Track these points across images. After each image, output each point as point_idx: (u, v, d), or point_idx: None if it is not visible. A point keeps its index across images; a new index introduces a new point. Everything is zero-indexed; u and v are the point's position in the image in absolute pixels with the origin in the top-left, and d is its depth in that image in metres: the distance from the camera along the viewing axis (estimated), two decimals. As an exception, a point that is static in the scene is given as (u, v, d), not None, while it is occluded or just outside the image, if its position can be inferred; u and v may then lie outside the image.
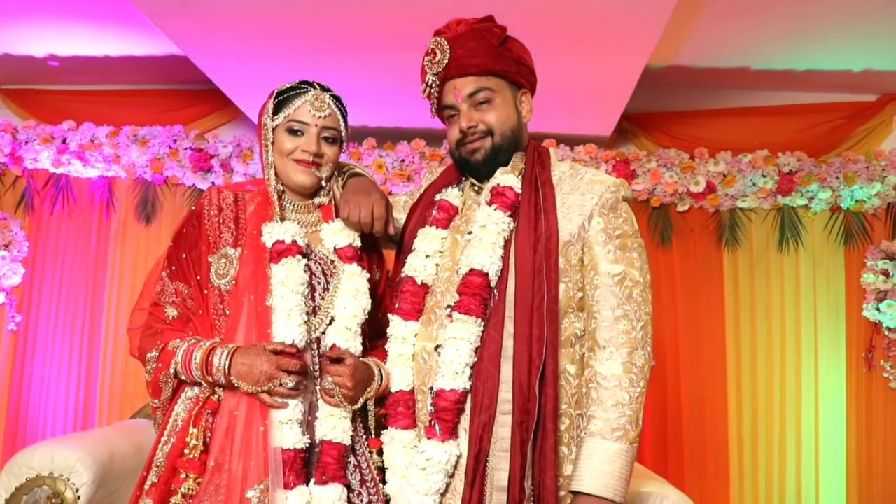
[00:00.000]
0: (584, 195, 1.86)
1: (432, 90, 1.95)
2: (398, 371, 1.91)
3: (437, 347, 1.84)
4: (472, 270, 1.82)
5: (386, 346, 1.95)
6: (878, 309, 4.27)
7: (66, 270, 4.62)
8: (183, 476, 1.74)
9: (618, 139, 4.59)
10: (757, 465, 4.36)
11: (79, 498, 2.55)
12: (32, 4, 3.70)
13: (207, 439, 1.77)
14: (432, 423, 1.78)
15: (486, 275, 1.81)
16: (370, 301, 1.91)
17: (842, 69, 4.15)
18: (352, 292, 1.88)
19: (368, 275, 1.94)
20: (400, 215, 2.15)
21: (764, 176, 4.31)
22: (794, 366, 4.39)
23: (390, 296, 2.04)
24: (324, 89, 1.93)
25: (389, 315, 1.96)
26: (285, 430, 1.74)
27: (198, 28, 3.36)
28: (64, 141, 4.52)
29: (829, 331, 4.39)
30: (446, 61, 1.89)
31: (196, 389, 1.83)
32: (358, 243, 1.96)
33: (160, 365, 1.82)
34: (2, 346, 4.55)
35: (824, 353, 4.38)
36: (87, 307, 4.58)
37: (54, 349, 4.57)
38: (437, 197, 2.05)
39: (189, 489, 1.73)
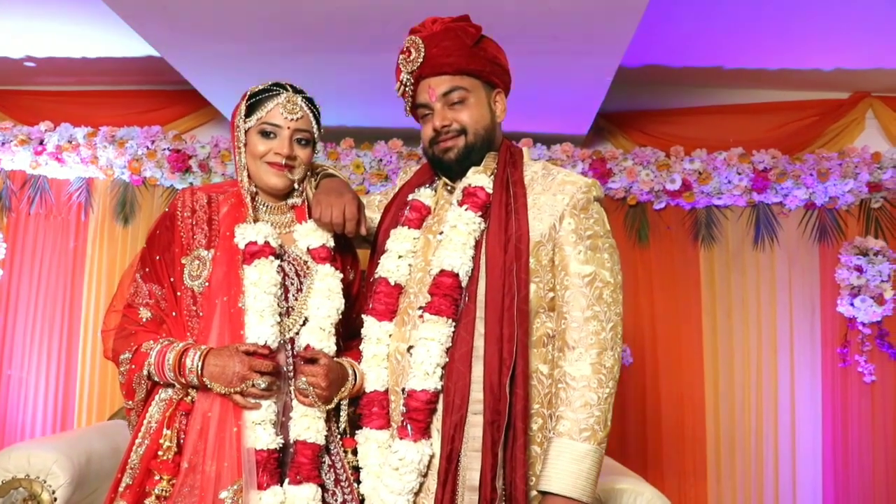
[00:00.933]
0: (555, 195, 1.87)
1: (407, 88, 1.95)
2: (372, 371, 1.92)
3: (409, 348, 1.84)
4: (442, 271, 1.83)
5: (360, 347, 1.96)
6: (852, 304, 4.33)
7: (44, 271, 4.61)
8: (157, 478, 1.75)
9: (594, 138, 4.62)
10: (734, 461, 4.40)
11: (55, 500, 2.56)
12: (8, 5, 3.69)
13: (181, 441, 1.78)
14: (404, 423, 1.79)
15: (457, 275, 1.82)
16: (343, 301, 1.92)
17: (814, 68, 4.21)
18: (325, 293, 1.89)
19: (342, 275, 1.95)
20: (374, 215, 2.15)
21: (739, 174, 4.35)
22: (770, 362, 4.44)
23: (364, 296, 2.04)
24: (296, 91, 1.94)
25: (364, 315, 1.97)
26: (258, 431, 1.75)
27: (173, 29, 3.36)
28: (41, 142, 4.51)
29: (805, 327, 4.45)
30: (421, 60, 1.90)
31: (170, 391, 1.84)
32: (331, 244, 1.97)
33: (133, 366, 1.82)
34: (-21, 348, 4.53)
35: (800, 348, 4.44)
36: (65, 308, 4.57)
37: (32, 350, 4.56)
38: (410, 197, 2.05)
39: (163, 490, 1.73)
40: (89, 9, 3.50)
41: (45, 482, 2.56)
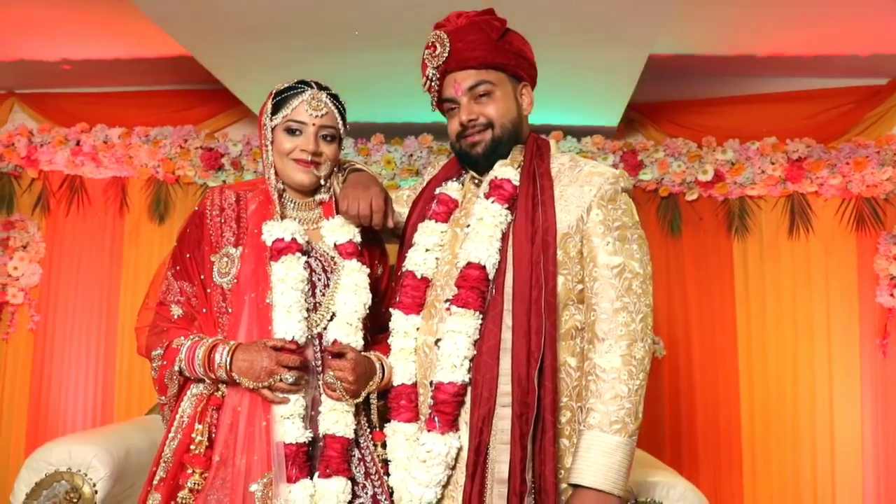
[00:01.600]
0: (582, 187, 1.86)
1: (433, 83, 1.96)
2: (400, 365, 1.93)
3: (437, 341, 1.85)
4: (469, 264, 1.83)
5: (388, 341, 1.97)
6: (891, 295, 4.25)
7: (82, 270, 4.68)
8: (190, 471, 1.78)
9: (625, 130, 4.57)
10: (770, 455, 4.33)
11: (96, 492, 2.60)
12: (45, 11, 3.76)
13: (212, 435, 1.81)
14: (432, 415, 1.80)
15: (484, 268, 1.82)
16: (370, 296, 1.93)
17: (850, 54, 4.13)
18: (352, 288, 1.90)
19: (369, 270, 1.96)
20: (403, 210, 2.16)
21: (773, 163, 4.29)
22: (806, 354, 4.36)
23: (394, 291, 2.06)
24: (321, 88, 1.95)
25: (391, 309, 1.98)
26: (287, 425, 1.77)
27: (203, 30, 3.40)
28: (78, 143, 4.59)
29: (842, 318, 4.36)
30: (446, 55, 1.90)
31: (201, 386, 1.86)
32: (358, 239, 1.98)
33: (165, 362, 1.85)
34: (22, 346, 4.63)
35: (837, 340, 4.35)
36: (103, 306, 4.64)
37: (72, 347, 4.63)
38: (438, 191, 2.06)
39: (195, 483, 1.76)
40: (122, 11, 3.55)
41: (86, 475, 2.61)
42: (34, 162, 4.62)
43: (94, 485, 2.61)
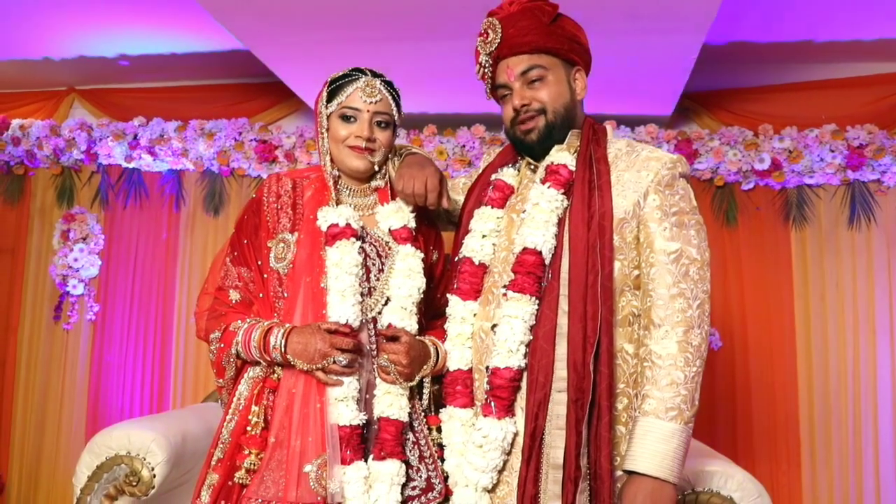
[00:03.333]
0: (639, 172, 1.84)
1: (486, 70, 1.96)
2: (456, 350, 1.93)
3: (493, 326, 1.85)
4: (525, 249, 1.83)
5: (445, 326, 1.98)
6: (957, 285, 4.13)
7: (140, 261, 4.78)
8: (246, 452, 1.81)
9: (679, 118, 4.52)
10: (830, 449, 4.24)
11: (154, 476, 2.65)
12: (104, 8, 3.85)
13: (269, 417, 1.83)
14: (488, 400, 1.80)
15: (540, 253, 1.82)
16: (424, 280, 1.94)
17: (913, 37, 4.01)
18: (406, 272, 1.91)
19: (423, 255, 1.97)
20: (459, 197, 2.17)
21: (832, 151, 4.18)
22: (868, 347, 4.25)
23: (449, 277, 2.06)
24: (375, 75, 1.96)
25: (448, 295, 1.98)
26: (341, 408, 1.79)
27: (259, 23, 3.44)
28: (135, 137, 4.67)
29: (905, 310, 4.26)
30: (498, 41, 1.90)
31: (258, 369, 1.89)
32: (412, 224, 1.99)
33: (223, 345, 1.88)
34: (82, 335, 4.75)
35: (900, 333, 4.25)
36: (160, 296, 4.73)
37: (129, 337, 4.74)
38: (493, 177, 2.06)
39: (251, 464, 1.79)
40: (178, 6, 3.61)
41: (144, 459, 2.66)
42: (93, 156, 4.73)
43: (153, 468, 2.65)
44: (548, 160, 1.92)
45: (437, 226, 2.16)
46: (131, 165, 4.76)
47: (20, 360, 4.76)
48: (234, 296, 1.95)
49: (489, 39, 1.92)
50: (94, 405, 4.69)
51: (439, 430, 1.94)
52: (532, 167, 2.00)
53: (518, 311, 1.79)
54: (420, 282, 1.93)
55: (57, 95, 4.99)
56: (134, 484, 2.65)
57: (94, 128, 4.73)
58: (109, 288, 4.79)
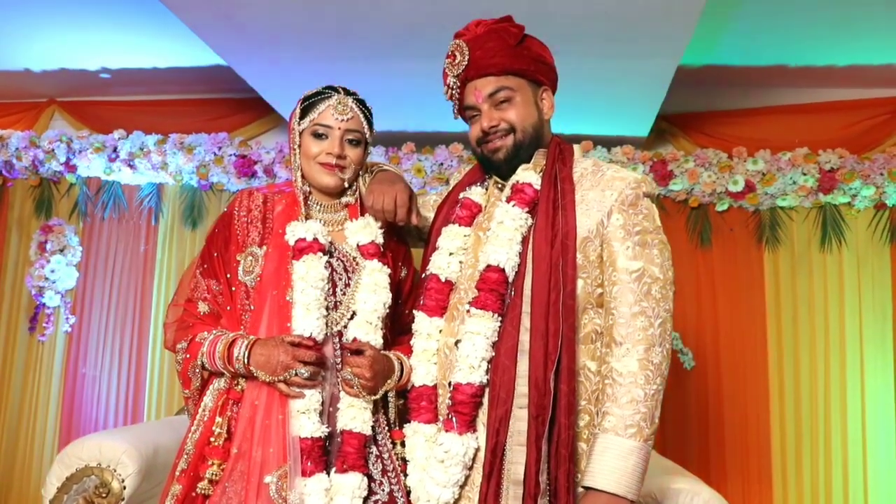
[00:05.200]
0: (603, 191, 1.86)
1: (454, 92, 1.98)
2: (422, 366, 1.95)
3: (457, 342, 1.86)
4: (489, 266, 1.84)
5: (411, 342, 1.99)
6: (925, 309, 4.18)
7: (117, 274, 4.79)
8: (209, 462, 1.82)
9: (655, 140, 4.58)
10: (801, 469, 4.29)
11: (125, 488, 2.65)
12: (86, 21, 3.87)
13: (232, 428, 1.85)
14: (450, 416, 1.82)
15: (503, 270, 1.83)
16: (390, 296, 1.96)
17: (885, 63, 4.09)
18: (372, 287, 1.93)
19: (390, 271, 1.99)
20: (429, 214, 2.18)
21: (804, 174, 4.25)
22: (838, 368, 4.31)
23: (417, 293, 2.08)
24: (347, 93, 1.99)
25: (415, 311, 1.99)
26: (303, 420, 1.80)
27: (240, 39, 3.47)
28: (115, 149, 4.69)
29: (875, 331, 4.31)
30: (465, 63, 1.92)
31: (223, 381, 1.90)
32: (380, 240, 2.01)
33: (188, 356, 1.90)
34: (57, 347, 4.74)
35: (870, 354, 4.29)
36: (137, 309, 4.74)
37: (105, 349, 4.74)
38: (461, 195, 2.07)
39: (213, 474, 1.80)
40: (160, 21, 3.64)
41: (115, 471, 2.66)
42: (72, 168, 4.74)
43: (123, 480, 2.66)
44: (513, 179, 1.94)
45: (406, 242, 2.18)
46: (110, 178, 4.77)
47: (-6, 370, 4.74)
48: (203, 308, 1.96)
49: (456, 61, 1.94)
50: (68, 417, 4.68)
51: (403, 444, 1.95)
52: (499, 186, 2.02)
53: (480, 328, 1.81)
54: (386, 297, 1.95)
55: (37, 107, 5.01)
56: (104, 496, 2.65)
57: (73, 140, 4.75)
58: (86, 300, 4.78)
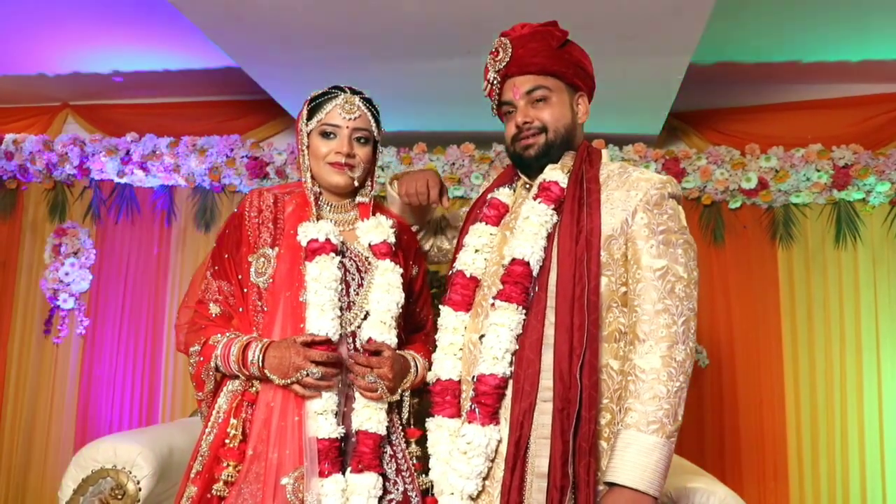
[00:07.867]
0: (628, 191, 1.88)
1: (493, 87, 2.02)
2: (448, 360, 1.95)
3: (481, 337, 1.87)
4: (514, 260, 1.86)
5: (436, 336, 2.00)
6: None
7: (131, 276, 4.80)
8: (224, 464, 1.82)
9: (667, 138, 4.56)
10: (818, 467, 4.25)
11: (140, 489, 2.66)
12: (98, 25, 3.88)
13: (247, 430, 1.85)
14: (473, 407, 1.82)
15: (528, 264, 1.84)
16: (403, 295, 1.96)
17: (898, 59, 4.06)
18: (385, 287, 1.94)
19: (402, 270, 1.99)
20: (459, 224, 2.23)
21: (818, 170, 4.23)
22: (854, 365, 4.28)
23: (428, 292, 2.10)
24: (354, 92, 2.00)
25: (441, 306, 2.00)
26: (320, 421, 1.80)
27: (251, 41, 3.47)
28: (127, 152, 4.70)
29: (891, 328, 4.27)
30: (507, 59, 1.96)
31: (237, 383, 1.91)
32: (392, 239, 2.02)
33: (202, 359, 1.90)
34: (72, 349, 4.76)
35: (887, 350, 4.26)
36: (150, 311, 4.75)
37: (119, 351, 4.75)
38: (489, 196, 2.11)
39: (229, 476, 1.80)
40: (172, 24, 3.65)
41: (130, 472, 2.67)
42: (86, 171, 4.76)
43: (138, 482, 2.66)
44: (540, 178, 1.96)
45: (417, 241, 2.19)
46: (123, 181, 4.79)
47: (9, 373, 4.78)
48: (215, 309, 1.97)
49: (499, 58, 1.99)
50: (83, 419, 4.70)
51: (417, 443, 1.96)
52: (527, 186, 2.05)
53: (505, 320, 1.82)
54: (399, 296, 1.95)
55: (51, 111, 5.03)
56: (119, 497, 2.65)
57: (86, 143, 4.76)
58: (100, 302, 4.80)
